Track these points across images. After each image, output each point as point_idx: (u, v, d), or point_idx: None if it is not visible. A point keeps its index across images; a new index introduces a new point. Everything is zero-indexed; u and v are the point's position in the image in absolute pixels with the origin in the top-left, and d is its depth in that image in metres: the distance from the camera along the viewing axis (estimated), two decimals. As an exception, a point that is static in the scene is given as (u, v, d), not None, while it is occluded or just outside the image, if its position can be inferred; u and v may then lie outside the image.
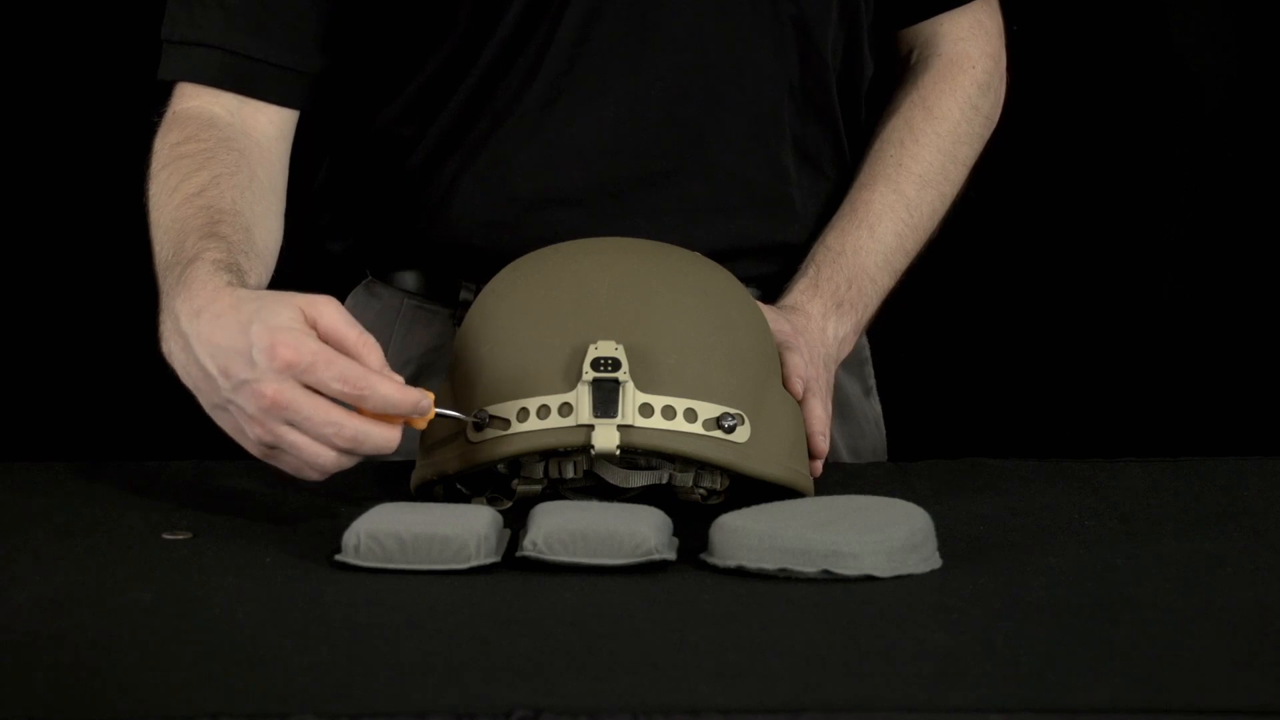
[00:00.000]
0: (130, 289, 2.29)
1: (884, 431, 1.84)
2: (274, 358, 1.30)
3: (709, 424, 1.39)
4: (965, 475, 1.61)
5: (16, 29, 2.27)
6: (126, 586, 1.25)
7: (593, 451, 1.37)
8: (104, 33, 2.27)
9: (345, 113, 1.69)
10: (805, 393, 1.50)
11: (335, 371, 1.31)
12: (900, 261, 1.70)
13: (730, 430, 1.40)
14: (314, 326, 1.32)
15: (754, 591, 1.25)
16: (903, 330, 1.83)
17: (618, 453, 1.38)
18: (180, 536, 1.37)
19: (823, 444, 1.49)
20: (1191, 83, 2.28)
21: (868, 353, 1.83)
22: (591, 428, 1.37)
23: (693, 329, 1.43)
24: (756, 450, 1.41)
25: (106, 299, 2.29)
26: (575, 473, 1.43)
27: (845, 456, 1.77)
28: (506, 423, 1.39)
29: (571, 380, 1.39)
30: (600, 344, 1.39)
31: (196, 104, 1.61)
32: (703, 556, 1.31)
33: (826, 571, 1.27)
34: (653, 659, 1.12)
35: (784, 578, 1.27)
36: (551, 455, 1.43)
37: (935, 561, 1.31)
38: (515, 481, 1.44)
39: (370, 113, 1.68)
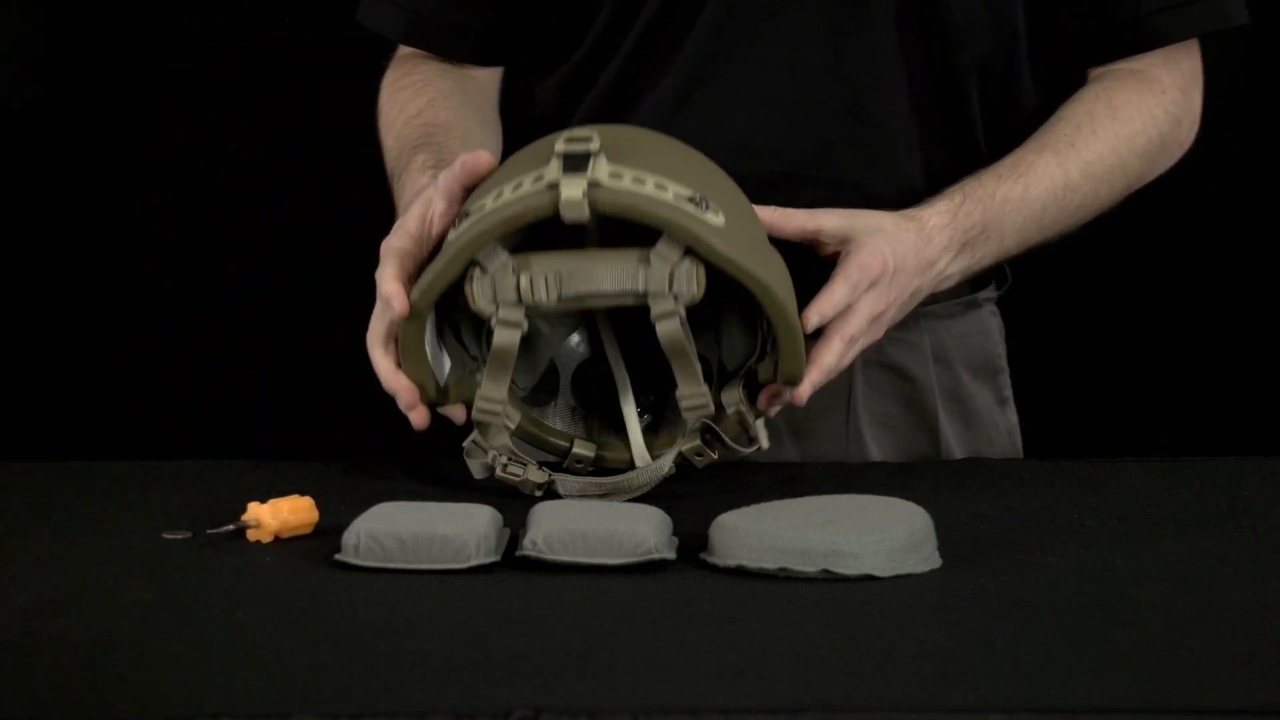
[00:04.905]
0: (130, 289, 2.30)
1: (1019, 442, 1.81)
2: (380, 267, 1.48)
3: (680, 199, 1.39)
4: (965, 475, 1.61)
5: (18, 29, 2.27)
6: (126, 586, 1.26)
7: (561, 211, 1.38)
8: (104, 34, 2.27)
9: (514, 84, 1.78)
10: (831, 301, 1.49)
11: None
12: (1034, 233, 1.65)
13: (705, 208, 1.40)
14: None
15: (754, 591, 1.25)
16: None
17: (587, 213, 1.38)
18: (180, 536, 1.37)
19: (812, 320, 1.47)
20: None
21: (1004, 362, 1.80)
22: (558, 187, 1.38)
23: (676, 153, 1.46)
24: (733, 239, 1.40)
25: (106, 299, 2.30)
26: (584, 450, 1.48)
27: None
28: (482, 207, 1.41)
29: (545, 160, 1.41)
30: (575, 131, 1.42)
31: (417, 50, 1.79)
32: (703, 556, 1.31)
33: (826, 571, 1.27)
34: (653, 659, 1.12)
35: (784, 577, 1.27)
36: (529, 233, 1.43)
37: (935, 561, 1.31)
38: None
39: (533, 86, 1.75)
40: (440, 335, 1.51)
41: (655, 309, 1.42)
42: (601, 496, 1.47)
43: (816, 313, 1.48)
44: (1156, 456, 1.68)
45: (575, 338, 1.58)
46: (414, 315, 1.44)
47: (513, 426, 1.48)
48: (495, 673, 1.09)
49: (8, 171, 2.29)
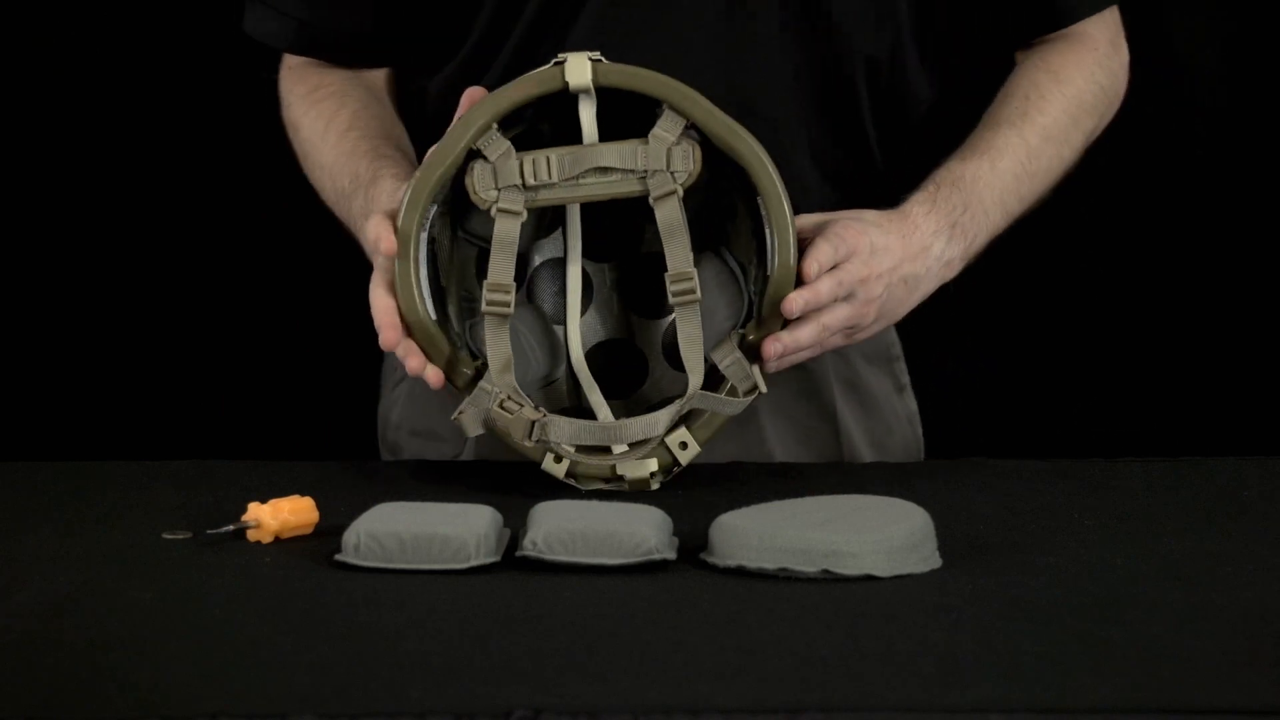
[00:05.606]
0: (130, 289, 2.30)
1: (919, 430, 1.83)
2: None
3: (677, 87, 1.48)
4: (965, 475, 1.61)
5: (17, 29, 2.27)
6: (126, 586, 1.26)
7: (567, 76, 1.46)
8: (103, 33, 2.27)
9: (407, 83, 1.77)
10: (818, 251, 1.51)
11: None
12: (1014, 204, 1.67)
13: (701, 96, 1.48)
14: None
15: (754, 591, 1.25)
16: (903, 332, 1.83)
17: (589, 77, 1.46)
18: (180, 536, 1.37)
19: (811, 269, 1.49)
20: (1192, 82, 2.28)
21: (899, 349, 1.82)
22: (564, 63, 1.46)
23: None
24: (727, 117, 1.48)
25: (106, 299, 2.30)
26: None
27: (867, 454, 1.76)
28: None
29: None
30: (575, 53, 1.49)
31: (307, 58, 1.77)
32: (703, 556, 1.31)
33: (826, 571, 1.27)
34: (653, 659, 1.12)
35: (784, 577, 1.27)
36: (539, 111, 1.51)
37: (935, 561, 1.31)
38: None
39: (425, 83, 1.75)
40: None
41: (655, 190, 1.48)
42: (597, 457, 1.49)
43: (814, 261, 1.50)
44: (1156, 456, 1.68)
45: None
46: (413, 204, 1.48)
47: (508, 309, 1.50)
48: (495, 673, 1.09)
49: (7, 171, 2.29)
